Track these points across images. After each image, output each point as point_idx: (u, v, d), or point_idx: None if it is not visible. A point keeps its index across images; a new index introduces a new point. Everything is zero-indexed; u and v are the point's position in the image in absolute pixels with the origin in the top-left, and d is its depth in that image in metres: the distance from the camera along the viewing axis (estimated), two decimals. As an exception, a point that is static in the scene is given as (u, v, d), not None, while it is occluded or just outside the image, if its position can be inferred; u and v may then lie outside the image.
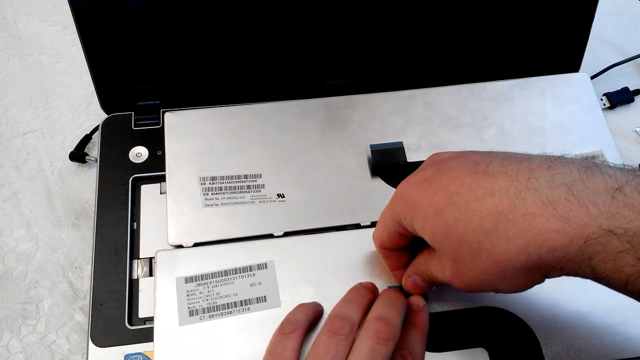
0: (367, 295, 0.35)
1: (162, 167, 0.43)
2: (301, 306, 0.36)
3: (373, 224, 0.41)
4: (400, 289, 0.36)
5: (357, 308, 0.33)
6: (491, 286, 0.28)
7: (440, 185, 0.29)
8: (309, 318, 0.34)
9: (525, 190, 0.26)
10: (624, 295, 0.27)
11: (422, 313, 0.34)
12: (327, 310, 0.36)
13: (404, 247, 0.34)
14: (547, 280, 0.28)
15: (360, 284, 0.37)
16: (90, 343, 0.38)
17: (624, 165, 0.28)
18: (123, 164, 0.45)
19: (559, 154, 0.28)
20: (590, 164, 0.27)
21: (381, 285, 0.37)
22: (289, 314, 0.35)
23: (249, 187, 0.42)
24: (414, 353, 0.32)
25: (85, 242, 0.46)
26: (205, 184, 0.42)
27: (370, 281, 0.37)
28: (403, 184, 0.31)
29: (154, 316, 0.37)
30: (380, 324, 0.31)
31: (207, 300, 0.37)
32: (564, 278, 0.36)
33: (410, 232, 0.31)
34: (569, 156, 0.28)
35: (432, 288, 0.35)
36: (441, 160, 0.31)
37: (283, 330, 0.33)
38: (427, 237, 0.30)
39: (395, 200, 0.32)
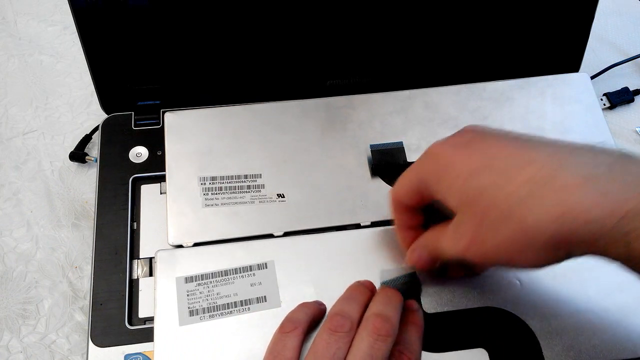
0: (365, 293, 0.35)
1: (162, 167, 0.43)
2: (302, 305, 0.36)
3: (373, 224, 0.41)
4: (396, 286, 0.35)
5: (356, 306, 0.34)
6: (508, 258, 0.28)
7: (478, 148, 0.29)
8: (310, 317, 0.35)
9: (566, 163, 0.26)
10: (624, 296, 0.27)
11: (417, 313, 0.35)
12: (329, 308, 0.36)
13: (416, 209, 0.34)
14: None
15: (358, 282, 0.37)
16: (90, 343, 0.38)
17: None
18: (123, 164, 0.45)
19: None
20: (628, 151, 0.27)
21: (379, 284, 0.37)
22: (290, 312, 0.35)
23: (249, 187, 0.42)
24: (411, 349, 0.32)
25: (85, 242, 0.46)
26: (205, 184, 0.42)
27: (368, 279, 0.37)
28: (436, 144, 0.31)
29: (154, 316, 0.37)
30: (379, 320, 0.31)
31: (207, 300, 0.37)
32: (564, 278, 0.36)
33: (429, 196, 0.31)
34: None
35: (435, 266, 0.34)
36: (479, 130, 0.30)
37: (283, 329, 0.33)
38: (452, 199, 0.29)
39: (425, 157, 0.31)
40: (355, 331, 0.32)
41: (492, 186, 0.27)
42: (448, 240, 0.31)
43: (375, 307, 0.33)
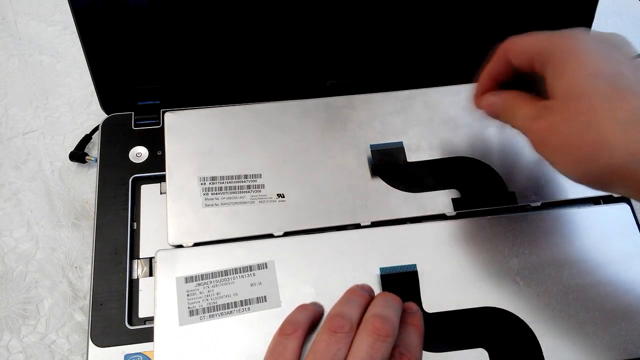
0: (364, 296, 0.35)
1: (162, 167, 0.43)
2: (302, 307, 0.36)
3: (373, 224, 0.41)
4: (396, 290, 0.35)
5: (355, 307, 0.34)
6: (563, 159, 0.29)
7: (613, 58, 0.29)
8: (310, 319, 0.35)
9: None
10: (624, 296, 0.27)
11: (417, 315, 0.34)
12: (327, 310, 0.36)
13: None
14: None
15: (357, 285, 0.37)
16: (90, 343, 0.38)
17: None
18: (123, 164, 0.45)
19: None
20: None
21: (379, 286, 0.37)
22: (290, 315, 0.35)
23: (249, 187, 0.42)
24: (411, 351, 0.32)
25: (85, 242, 0.46)
26: (205, 184, 0.42)
27: (367, 283, 0.37)
28: (579, 30, 0.31)
29: (154, 316, 0.37)
30: (379, 321, 0.32)
31: (207, 300, 0.37)
32: (564, 278, 0.36)
33: (539, 66, 0.31)
34: None
35: (495, 119, 0.35)
36: (622, 39, 0.31)
37: (284, 331, 0.33)
38: (561, 84, 0.29)
39: (562, 32, 0.31)
40: (355, 333, 0.32)
41: (603, 97, 0.28)
42: (527, 112, 0.31)
43: (374, 308, 0.33)
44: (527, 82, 0.33)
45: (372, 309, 0.33)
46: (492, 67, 0.35)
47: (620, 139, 0.27)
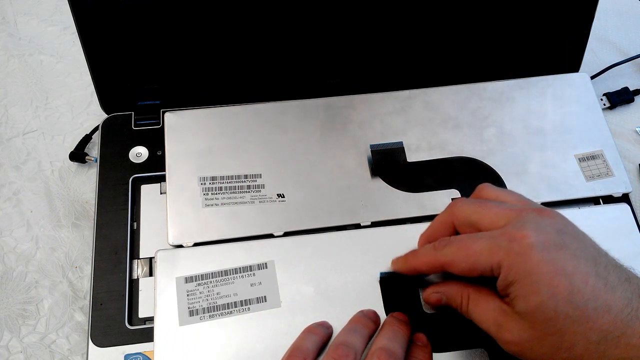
0: (368, 325, 0.35)
1: (162, 167, 0.43)
2: (310, 332, 0.35)
3: (373, 224, 0.41)
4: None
5: (359, 337, 0.33)
6: None
7: (566, 269, 0.28)
8: (318, 345, 0.34)
9: (635, 318, 0.27)
10: None
11: (426, 349, 0.34)
12: (329, 310, 0.36)
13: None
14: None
15: (362, 312, 0.36)
16: (90, 343, 0.38)
17: None
18: (123, 164, 0.45)
19: None
20: None
21: (380, 296, 0.37)
22: (298, 340, 0.34)
23: (249, 187, 0.42)
24: None
25: (85, 242, 0.46)
26: (205, 184, 0.42)
27: (372, 309, 0.36)
28: (521, 238, 0.29)
29: (154, 316, 0.37)
30: (384, 354, 0.31)
31: (207, 300, 0.37)
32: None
33: (489, 275, 0.30)
34: None
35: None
36: (566, 230, 0.30)
37: (292, 359, 0.33)
38: (520, 304, 0.29)
39: (505, 245, 0.29)
40: None
41: (567, 319, 0.28)
42: (487, 318, 0.31)
43: (381, 341, 0.33)
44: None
45: (378, 341, 0.33)
46: (433, 228, 0.35)
47: (594, 358, 0.28)
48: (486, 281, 0.31)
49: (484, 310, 0.31)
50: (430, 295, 0.35)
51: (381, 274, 0.38)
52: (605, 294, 0.28)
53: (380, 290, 0.38)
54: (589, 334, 0.28)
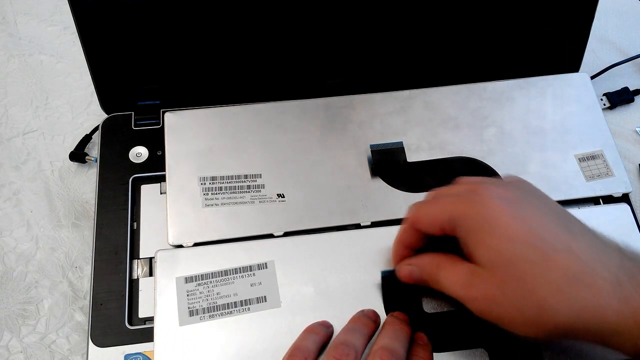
0: (369, 325, 0.35)
1: (162, 167, 0.43)
2: (310, 331, 0.35)
3: (373, 224, 0.41)
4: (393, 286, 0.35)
5: (360, 337, 0.33)
6: (511, 323, 0.29)
7: (524, 216, 0.29)
8: (319, 345, 0.34)
9: (599, 262, 0.27)
10: None
11: (427, 347, 0.34)
12: (329, 310, 0.36)
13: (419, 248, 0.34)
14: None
15: (362, 312, 0.36)
16: (90, 343, 0.38)
17: None
18: (123, 164, 0.45)
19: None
20: None
21: (380, 296, 0.37)
22: (298, 339, 0.34)
23: (249, 187, 0.42)
24: None
25: (85, 242, 0.46)
26: (205, 184, 0.42)
27: (372, 309, 0.37)
28: (482, 188, 0.30)
29: (154, 316, 0.37)
30: (386, 354, 0.31)
31: (207, 300, 0.37)
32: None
33: (452, 233, 0.30)
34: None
35: (418, 284, 0.34)
36: (527, 188, 0.31)
37: (293, 359, 0.33)
38: (481, 252, 0.29)
39: (467, 199, 0.30)
40: None
41: (528, 262, 0.28)
42: (455, 280, 0.31)
43: (382, 340, 0.33)
44: (445, 240, 0.32)
45: (379, 341, 0.33)
46: (403, 237, 0.35)
47: (559, 301, 0.27)
48: (457, 251, 0.31)
49: (452, 272, 0.31)
50: (402, 267, 0.34)
51: (382, 272, 0.38)
52: (567, 237, 0.28)
53: (380, 290, 0.38)
54: (549, 275, 0.27)
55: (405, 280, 0.34)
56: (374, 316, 0.36)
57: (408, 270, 0.34)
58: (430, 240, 0.34)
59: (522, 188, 0.31)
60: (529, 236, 0.28)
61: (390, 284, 0.38)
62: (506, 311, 0.28)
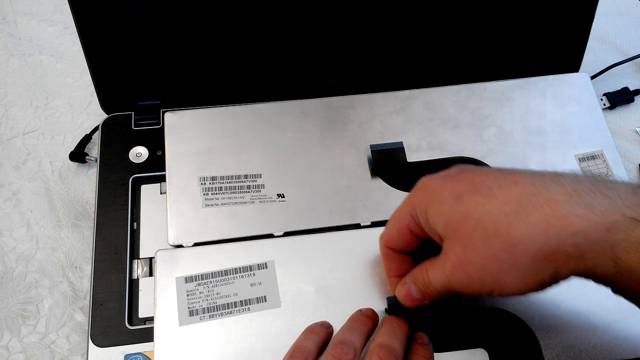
0: (367, 323, 0.35)
1: (162, 167, 0.43)
2: (310, 332, 0.35)
3: (373, 224, 0.41)
4: (399, 309, 0.35)
5: (358, 335, 0.33)
6: (494, 280, 0.27)
7: (464, 177, 0.29)
8: (319, 345, 0.34)
9: (550, 182, 0.27)
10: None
11: (427, 347, 0.34)
12: (336, 326, 0.36)
13: (407, 253, 0.34)
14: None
15: (360, 311, 0.36)
16: (90, 343, 0.38)
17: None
18: (123, 164, 0.45)
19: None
20: (611, 178, 0.28)
21: (380, 296, 0.37)
22: (298, 340, 0.34)
23: (249, 187, 0.42)
24: None
25: (85, 242, 0.46)
26: (205, 184, 0.42)
27: (371, 308, 0.36)
28: (424, 178, 0.32)
29: (154, 316, 0.37)
30: (384, 351, 0.31)
31: (207, 300, 0.37)
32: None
33: (421, 229, 0.31)
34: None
35: (424, 303, 0.33)
36: (467, 166, 0.31)
37: (293, 359, 0.33)
38: (439, 225, 0.29)
39: (413, 191, 0.32)
40: None
41: (477, 206, 0.28)
42: (435, 268, 0.31)
43: (380, 338, 0.33)
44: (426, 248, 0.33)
45: (377, 338, 0.33)
46: (389, 267, 0.35)
47: (521, 228, 0.26)
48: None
49: (434, 265, 0.31)
50: (399, 290, 0.34)
51: (388, 298, 0.37)
52: (511, 175, 0.28)
53: (380, 290, 0.38)
54: (503, 208, 0.27)
55: (408, 301, 0.33)
56: (372, 315, 0.36)
57: (405, 289, 0.33)
58: (415, 260, 0.34)
59: (461, 166, 0.31)
60: (473, 187, 0.28)
61: (397, 311, 0.37)
62: (483, 268, 0.27)
